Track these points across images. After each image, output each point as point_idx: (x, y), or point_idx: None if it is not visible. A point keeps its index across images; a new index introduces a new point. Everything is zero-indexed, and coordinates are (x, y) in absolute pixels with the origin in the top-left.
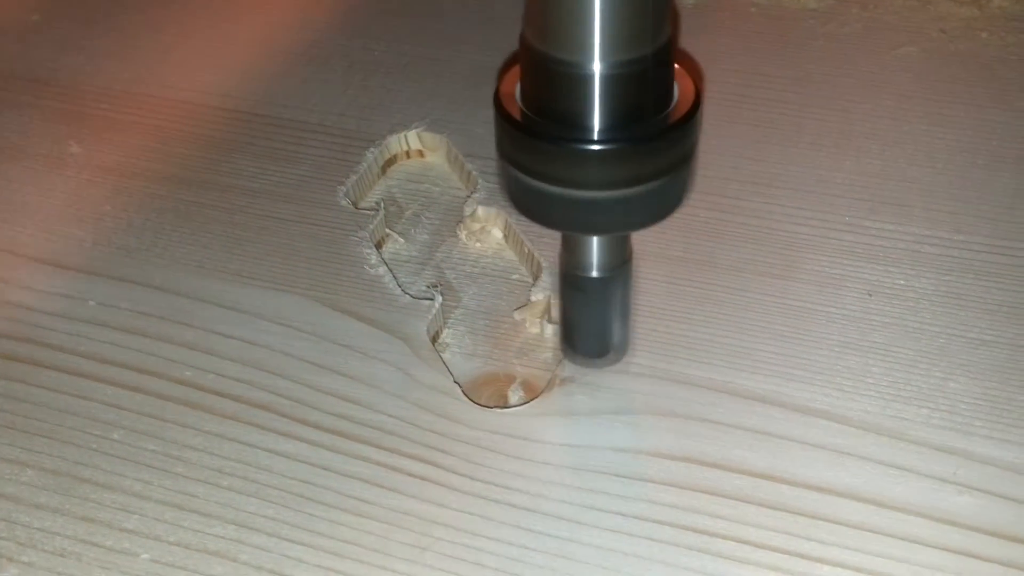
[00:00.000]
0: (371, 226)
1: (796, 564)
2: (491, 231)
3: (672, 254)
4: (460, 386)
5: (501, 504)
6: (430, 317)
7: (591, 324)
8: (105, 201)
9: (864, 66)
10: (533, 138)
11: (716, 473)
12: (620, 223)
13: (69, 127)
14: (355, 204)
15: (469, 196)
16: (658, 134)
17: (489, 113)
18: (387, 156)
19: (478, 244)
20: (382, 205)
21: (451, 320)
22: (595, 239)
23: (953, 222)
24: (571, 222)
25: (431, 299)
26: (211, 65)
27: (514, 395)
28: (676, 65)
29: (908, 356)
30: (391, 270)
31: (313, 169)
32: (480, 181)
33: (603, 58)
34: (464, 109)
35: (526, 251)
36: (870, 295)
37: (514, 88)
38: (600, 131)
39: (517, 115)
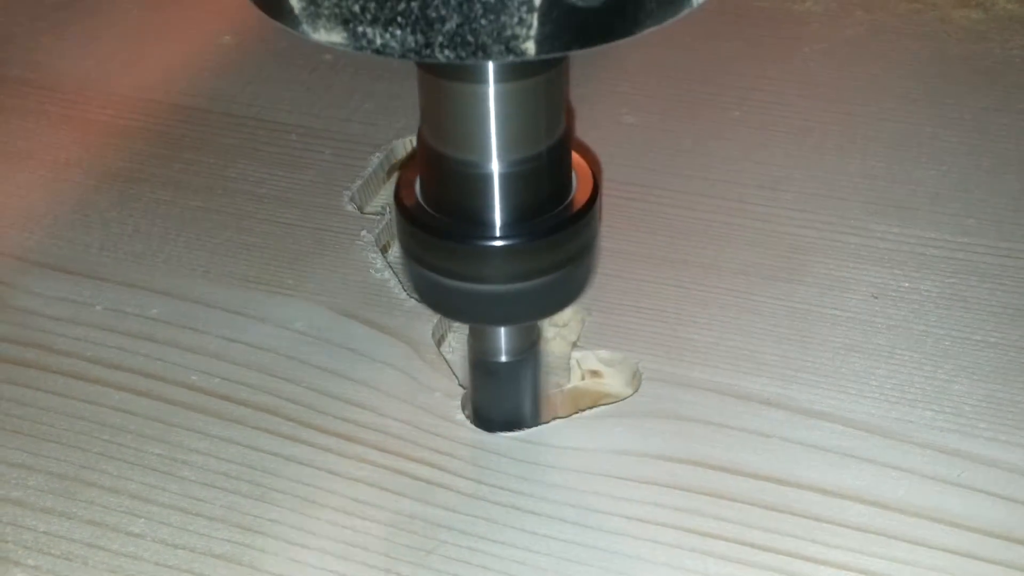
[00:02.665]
0: (377, 230)
1: (800, 566)
2: None
3: (676, 257)
4: (465, 389)
5: (505, 507)
6: (435, 321)
7: (503, 404)
8: (112, 207)
9: (868, 69)
10: (436, 237)
11: (720, 476)
12: (525, 313)
13: (75, 133)
14: (361, 209)
15: None
16: (557, 227)
17: None
18: (392, 161)
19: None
20: (387, 210)
21: (456, 324)
22: (502, 328)
23: (958, 224)
24: (477, 315)
25: None
26: (216, 71)
27: None
28: (573, 157)
29: (913, 359)
30: (396, 274)
31: (319, 174)
32: None
33: (500, 157)
34: None
35: None
36: (875, 298)
37: (414, 187)
38: (501, 227)
39: (418, 212)
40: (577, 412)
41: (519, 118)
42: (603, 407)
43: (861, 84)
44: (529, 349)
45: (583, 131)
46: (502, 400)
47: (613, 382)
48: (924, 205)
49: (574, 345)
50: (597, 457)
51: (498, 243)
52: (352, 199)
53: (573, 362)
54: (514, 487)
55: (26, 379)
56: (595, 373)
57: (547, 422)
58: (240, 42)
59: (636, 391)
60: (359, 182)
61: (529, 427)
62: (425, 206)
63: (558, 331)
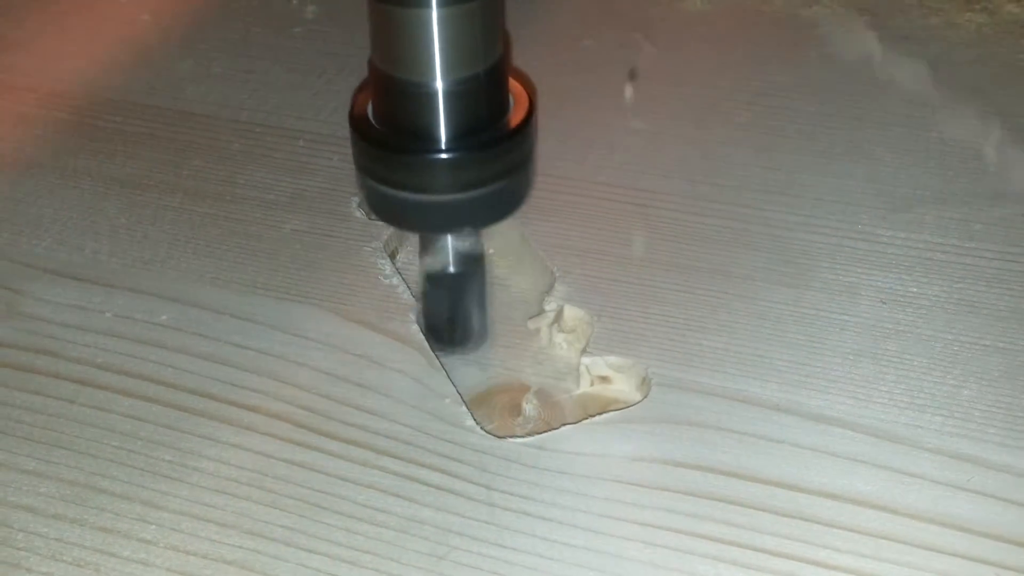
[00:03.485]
0: (385, 236)
1: (812, 572)
2: (504, 240)
3: (684, 262)
4: (465, 404)
5: (517, 513)
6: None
7: (451, 315)
8: (120, 213)
9: (875, 74)
10: (387, 151)
11: (731, 481)
12: (468, 222)
13: (83, 139)
14: (369, 215)
15: None
16: (496, 141)
17: None
18: None
19: (492, 254)
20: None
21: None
22: (449, 238)
23: (965, 229)
24: (425, 224)
25: None
26: (223, 78)
27: (528, 405)
28: (511, 81)
29: (921, 364)
30: (405, 280)
31: (327, 180)
32: None
33: (443, 77)
34: None
35: (538, 260)
36: (883, 303)
37: (366, 109)
38: (445, 141)
39: (371, 131)
40: (587, 418)
41: (460, 40)
42: (613, 413)
43: (868, 89)
44: (474, 262)
45: (592, 135)
46: (450, 311)
47: (622, 388)
48: (931, 210)
49: (583, 351)
50: (607, 463)
51: (443, 155)
52: (360, 205)
53: (582, 368)
54: (525, 493)
55: (36, 386)
56: (604, 379)
57: (558, 428)
58: (247, 50)
59: (645, 397)
60: None
61: (476, 344)
62: (377, 126)
63: (566, 336)
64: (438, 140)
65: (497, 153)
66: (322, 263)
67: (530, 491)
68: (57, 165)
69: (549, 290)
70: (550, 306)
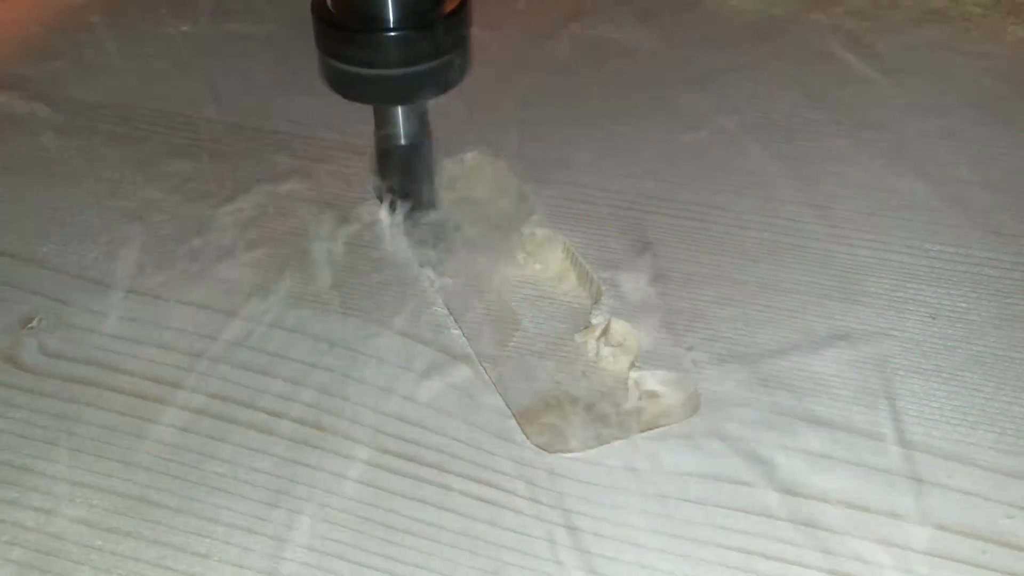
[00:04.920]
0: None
1: None
2: (550, 253)
3: (732, 276)
4: (515, 418)
5: (568, 528)
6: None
7: (404, 185)
8: (165, 223)
9: (919, 88)
10: (347, 31)
11: (784, 498)
12: (414, 94)
13: (126, 150)
14: (377, 191)
15: (527, 219)
16: (435, 21)
17: (539, 132)
18: (444, 180)
19: (537, 266)
20: (441, 228)
21: (511, 343)
22: (400, 112)
23: (1013, 244)
24: (378, 96)
25: None
26: (265, 89)
27: (576, 419)
28: None
29: (972, 380)
30: (447, 300)
31: (371, 192)
32: (537, 203)
33: None
34: (517, 133)
35: (585, 273)
36: (932, 318)
37: (327, 1)
38: (394, 21)
39: (331, 16)
40: (636, 433)
41: None
42: (662, 428)
43: (911, 103)
44: (423, 137)
45: (638, 147)
46: (402, 178)
47: (671, 403)
48: (978, 225)
49: (632, 365)
50: (657, 478)
51: (392, 33)
52: (370, 177)
53: (631, 382)
54: (575, 508)
55: (87, 398)
56: (653, 394)
57: (607, 443)
58: (285, 58)
59: (695, 412)
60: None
61: (424, 208)
62: (335, 12)
63: (613, 350)
64: (387, 21)
65: (437, 31)
66: (369, 275)
67: (580, 506)
68: (103, 176)
69: (596, 302)
70: (597, 319)
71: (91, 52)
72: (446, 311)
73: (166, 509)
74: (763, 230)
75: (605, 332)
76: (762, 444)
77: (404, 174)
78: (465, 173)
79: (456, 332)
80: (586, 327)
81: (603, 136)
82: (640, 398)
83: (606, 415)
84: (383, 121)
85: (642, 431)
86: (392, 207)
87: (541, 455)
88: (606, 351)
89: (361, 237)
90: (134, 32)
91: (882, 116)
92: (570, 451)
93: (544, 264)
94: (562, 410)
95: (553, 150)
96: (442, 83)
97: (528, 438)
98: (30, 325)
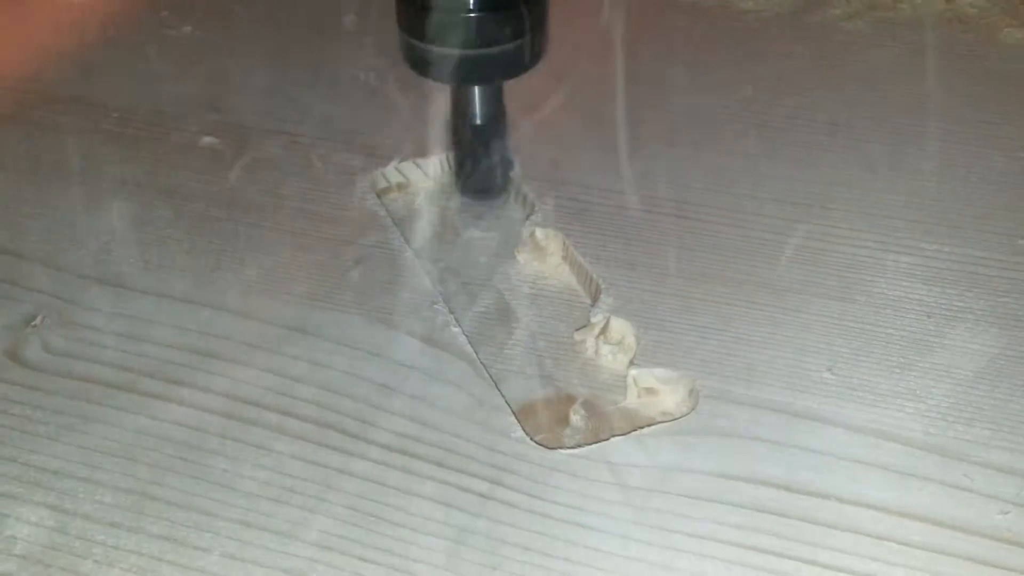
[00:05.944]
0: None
1: None
2: (549, 252)
3: (729, 275)
4: (515, 415)
5: (568, 524)
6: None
7: (477, 165)
8: (168, 224)
9: (915, 88)
10: (429, 11)
11: (779, 493)
12: (492, 75)
13: (129, 150)
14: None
15: (527, 218)
16: (514, 3)
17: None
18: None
19: (536, 265)
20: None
21: (511, 341)
22: (476, 93)
23: (1009, 244)
24: (458, 75)
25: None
26: (268, 89)
27: (576, 417)
28: None
29: (968, 377)
30: (446, 296)
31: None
32: (537, 204)
33: None
34: (518, 134)
35: (584, 272)
36: (929, 316)
37: None
38: (473, 4)
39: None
40: (635, 430)
41: None
42: (660, 425)
43: (908, 103)
44: (499, 118)
45: (636, 148)
46: (476, 161)
47: (670, 399)
48: (974, 224)
49: (630, 363)
50: (656, 474)
51: (474, 15)
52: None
53: (630, 380)
54: (575, 504)
55: (91, 395)
56: (651, 391)
57: (606, 439)
58: (288, 60)
59: (693, 409)
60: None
61: (498, 194)
62: None
63: (612, 348)
64: (469, 4)
65: (514, 14)
66: (372, 274)
67: (580, 502)
68: (106, 175)
69: (595, 301)
70: (596, 317)
71: (91, 52)
72: (446, 309)
73: (169, 504)
74: (762, 230)
75: (604, 330)
76: (759, 440)
77: (477, 154)
78: None
79: (456, 330)
80: (585, 325)
81: (598, 137)
82: (639, 395)
83: (605, 412)
84: (460, 101)
85: (641, 428)
86: (466, 188)
87: (541, 451)
88: (605, 349)
89: (361, 237)
90: (135, 32)
91: (880, 116)
92: (569, 448)
93: (544, 263)
94: (562, 407)
95: (553, 150)
96: (520, 64)
97: (528, 435)
98: (33, 323)
